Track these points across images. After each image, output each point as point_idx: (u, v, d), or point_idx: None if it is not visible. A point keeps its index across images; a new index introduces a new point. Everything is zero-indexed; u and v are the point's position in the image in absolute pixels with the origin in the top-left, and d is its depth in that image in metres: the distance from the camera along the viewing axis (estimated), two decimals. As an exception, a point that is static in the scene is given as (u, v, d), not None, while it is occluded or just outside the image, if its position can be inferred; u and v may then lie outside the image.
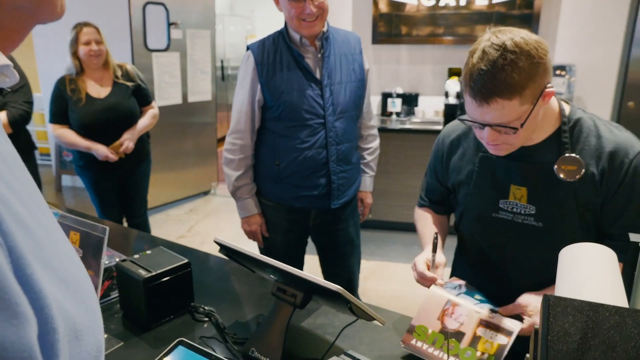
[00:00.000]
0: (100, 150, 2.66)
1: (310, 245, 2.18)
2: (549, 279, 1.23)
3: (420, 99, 4.29)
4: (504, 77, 0.97)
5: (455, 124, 1.35)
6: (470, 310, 1.12)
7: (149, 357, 1.15)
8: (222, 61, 7.11)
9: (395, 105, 4.20)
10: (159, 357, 1.02)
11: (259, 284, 1.53)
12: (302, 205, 1.97)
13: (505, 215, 1.20)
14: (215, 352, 1.11)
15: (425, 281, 1.21)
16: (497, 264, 1.29)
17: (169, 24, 4.44)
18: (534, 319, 1.09)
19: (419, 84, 4.34)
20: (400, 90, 4.27)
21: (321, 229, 2.06)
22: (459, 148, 1.30)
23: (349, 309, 1.00)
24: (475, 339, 1.05)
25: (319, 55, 1.86)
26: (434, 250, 1.22)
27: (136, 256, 1.34)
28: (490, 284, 1.34)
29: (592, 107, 4.16)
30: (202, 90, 4.88)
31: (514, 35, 1.00)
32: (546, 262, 1.21)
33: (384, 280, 3.37)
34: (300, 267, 2.20)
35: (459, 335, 1.08)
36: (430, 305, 1.16)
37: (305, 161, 1.87)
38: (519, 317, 1.11)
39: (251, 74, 1.86)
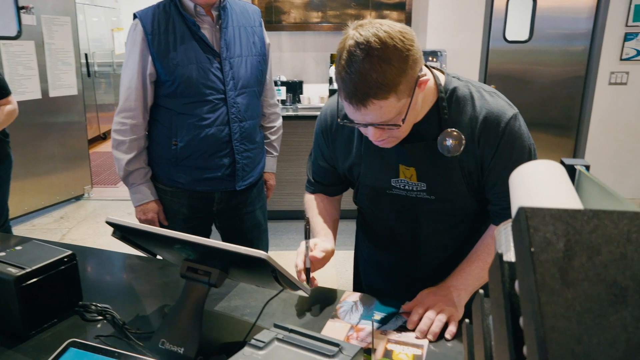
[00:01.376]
0: None
1: (215, 234, 2.03)
2: (450, 245, 1.25)
3: (305, 87, 4.27)
4: (375, 78, 0.92)
5: (335, 99, 1.25)
6: (375, 332, 1.08)
7: (31, 370, 0.94)
8: (86, 55, 6.49)
9: (280, 93, 4.13)
10: (46, 363, 0.83)
11: (160, 273, 1.36)
12: (204, 189, 1.81)
13: (399, 191, 1.18)
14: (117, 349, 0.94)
15: (298, 274, 1.12)
16: (397, 235, 1.28)
17: (18, 8, 3.89)
18: (436, 324, 1.07)
19: (303, 71, 4.33)
20: (284, 78, 4.21)
21: (226, 214, 1.92)
22: (343, 132, 1.23)
23: (275, 278, 0.90)
24: (388, 352, 1.01)
25: (217, 26, 1.71)
26: (307, 237, 1.14)
27: (2, 254, 1.10)
28: (392, 256, 1.32)
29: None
30: (65, 84, 4.37)
31: (376, 29, 0.94)
32: (444, 230, 1.23)
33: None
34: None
35: (368, 352, 1.02)
36: (331, 332, 1.08)
37: (206, 140, 1.72)
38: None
39: (140, 45, 1.66)
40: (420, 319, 1.08)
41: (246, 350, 0.75)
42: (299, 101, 4.18)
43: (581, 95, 4.39)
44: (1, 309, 1.06)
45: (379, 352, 0.99)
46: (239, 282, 1.24)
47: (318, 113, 1.29)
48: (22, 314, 1.04)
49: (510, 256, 0.61)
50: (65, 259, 1.11)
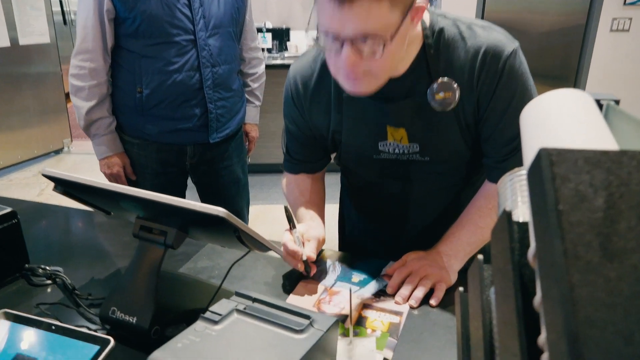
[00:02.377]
0: None
1: (192, 190, 1.89)
2: (442, 208, 1.11)
3: (292, 34, 4.05)
4: None
5: (305, 63, 1.06)
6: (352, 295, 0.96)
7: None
8: (61, 2, 6.12)
9: (266, 40, 3.91)
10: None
11: (120, 231, 1.23)
12: (174, 141, 1.65)
13: (388, 155, 1.03)
14: (59, 320, 0.82)
15: (289, 258, 0.98)
16: (384, 197, 1.13)
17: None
18: (420, 289, 0.95)
19: (290, 18, 4.09)
20: (270, 25, 3.98)
21: (201, 169, 1.77)
22: (319, 98, 1.04)
23: (237, 238, 0.77)
24: (362, 319, 0.89)
25: None
26: (292, 226, 1.00)
27: None
28: (378, 219, 1.19)
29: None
30: (36, 31, 4.10)
31: None
32: (436, 191, 1.09)
33: (270, 224, 3.19)
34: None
35: (340, 318, 0.90)
36: (302, 293, 0.97)
37: (175, 87, 1.55)
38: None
39: None
40: (402, 283, 0.96)
41: (199, 324, 0.63)
42: (286, 49, 3.96)
43: (580, 44, 4.20)
44: None
45: (353, 318, 0.88)
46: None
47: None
48: (-43, 279, 0.92)
49: (520, 214, 0.48)
50: (5, 217, 0.98)
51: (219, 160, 1.77)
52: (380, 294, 0.96)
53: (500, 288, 0.44)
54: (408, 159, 1.02)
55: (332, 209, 1.39)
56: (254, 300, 0.70)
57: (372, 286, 0.99)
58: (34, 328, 0.75)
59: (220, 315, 0.65)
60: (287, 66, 3.67)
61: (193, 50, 1.54)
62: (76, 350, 0.71)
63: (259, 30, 3.90)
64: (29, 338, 0.74)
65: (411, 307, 0.92)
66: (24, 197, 3.66)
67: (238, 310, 0.66)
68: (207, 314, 0.65)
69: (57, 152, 4.63)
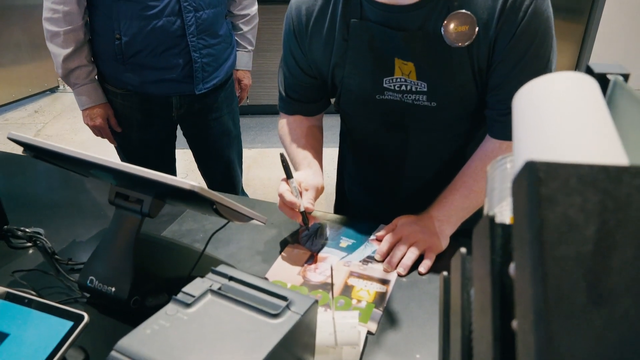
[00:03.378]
0: None
1: (182, 140, 1.84)
2: (441, 163, 1.05)
3: (291, -36, 3.81)
4: None
5: None
6: (338, 264, 0.92)
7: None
8: None
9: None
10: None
11: (101, 188, 1.20)
12: (158, 92, 1.57)
13: (392, 95, 0.95)
14: (34, 292, 0.80)
15: (286, 209, 0.94)
16: (383, 147, 1.07)
17: None
18: (408, 257, 0.91)
19: (289, -54, 3.84)
20: (267, -46, 3.73)
21: (189, 121, 1.70)
22: (322, 24, 0.95)
23: (214, 210, 0.73)
24: (347, 288, 0.86)
25: None
26: (288, 175, 0.94)
27: None
28: (376, 171, 1.14)
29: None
30: (21, -40, 3.89)
31: None
32: (438, 143, 1.03)
33: (268, 168, 3.16)
34: (172, 164, 1.85)
35: (325, 286, 0.87)
36: (288, 260, 0.93)
37: (155, 34, 1.45)
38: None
39: None
40: (391, 249, 0.93)
41: (170, 307, 0.61)
42: (285, -19, 3.75)
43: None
44: None
45: (337, 289, 0.86)
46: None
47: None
48: None
49: (505, 214, 0.44)
50: (-22, 180, 0.94)
51: (208, 111, 1.70)
52: (368, 260, 0.93)
53: (479, 299, 0.40)
54: (413, 102, 0.94)
55: (333, 155, 1.33)
56: (230, 278, 0.67)
57: (361, 251, 0.96)
58: (5, 301, 0.73)
59: (193, 297, 0.62)
60: (286, 1, 3.49)
61: None
62: (49, 326, 0.70)
63: (256, -40, 3.67)
64: (2, 311, 0.72)
65: (399, 275, 0.90)
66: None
67: (212, 291, 0.64)
68: (180, 296, 0.63)
69: (53, 90, 4.53)
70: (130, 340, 0.55)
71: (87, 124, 1.60)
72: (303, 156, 1.05)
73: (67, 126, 3.88)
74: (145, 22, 1.43)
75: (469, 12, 0.82)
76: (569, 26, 4.18)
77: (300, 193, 0.94)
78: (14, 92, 4.14)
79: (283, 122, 1.14)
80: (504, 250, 0.38)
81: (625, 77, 0.53)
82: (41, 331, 0.69)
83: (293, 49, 1.02)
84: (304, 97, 1.09)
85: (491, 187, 0.45)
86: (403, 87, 0.93)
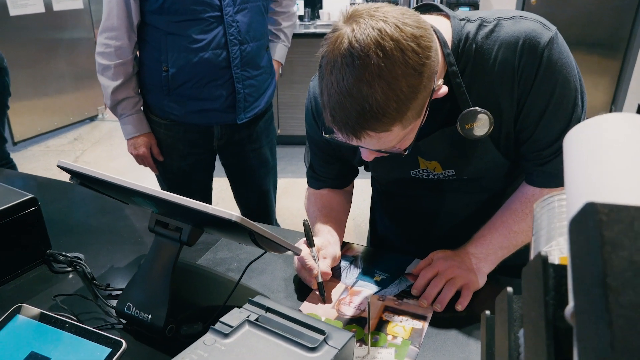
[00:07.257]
0: None
1: (220, 170, 1.87)
2: (478, 214, 1.03)
3: (325, 1, 3.92)
4: (374, 106, 0.67)
5: None
6: (372, 298, 0.91)
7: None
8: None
9: (298, 8, 3.79)
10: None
11: (140, 214, 1.22)
12: (201, 122, 1.61)
13: (422, 175, 0.97)
14: (74, 317, 0.81)
15: (304, 272, 0.93)
16: (417, 208, 1.08)
17: None
18: (445, 293, 0.89)
19: (323, -17, 3.95)
20: (302, -9, 3.86)
21: (229, 151, 1.74)
22: None
23: (252, 240, 0.74)
24: (382, 323, 0.84)
25: None
26: (310, 244, 0.95)
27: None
28: (409, 220, 1.14)
29: (497, 5, 4.05)
30: (69, -3, 4.11)
31: (380, 29, 0.66)
32: (471, 203, 1.03)
33: (297, 198, 3.18)
34: (208, 193, 1.88)
35: (360, 321, 0.86)
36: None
37: (201, 66, 1.50)
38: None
39: None
40: (427, 285, 0.91)
41: (208, 337, 0.61)
42: (318, 17, 3.84)
43: (635, 9, 3.91)
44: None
45: (372, 322, 0.84)
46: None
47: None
48: (-20, 265, 0.92)
49: (554, 255, 0.42)
50: (25, 204, 0.97)
51: (247, 142, 1.73)
52: (403, 295, 0.92)
53: (531, 343, 0.39)
54: (443, 178, 0.96)
55: (362, 184, 1.31)
56: (268, 309, 0.67)
57: (395, 286, 0.94)
58: (48, 325, 0.74)
59: (231, 327, 0.62)
60: (319, 35, 3.58)
61: (220, 27, 1.48)
62: (88, 351, 0.70)
63: (291, -4, 3.79)
64: (43, 335, 0.73)
65: (435, 312, 0.88)
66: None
67: (250, 322, 0.64)
68: (218, 326, 0.63)
69: (92, 119, 4.70)
70: (169, 370, 0.56)
71: (131, 153, 1.65)
72: (323, 226, 1.04)
73: (104, 153, 4.00)
74: (192, 55, 1.48)
75: (480, 109, 0.81)
76: (605, 62, 4.13)
77: (318, 258, 0.94)
78: (57, 120, 4.31)
79: (310, 192, 1.15)
80: (557, 291, 0.37)
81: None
82: (81, 357, 0.70)
83: (315, 134, 1.02)
84: (331, 174, 1.10)
85: (538, 227, 0.44)
86: (431, 176, 0.96)
